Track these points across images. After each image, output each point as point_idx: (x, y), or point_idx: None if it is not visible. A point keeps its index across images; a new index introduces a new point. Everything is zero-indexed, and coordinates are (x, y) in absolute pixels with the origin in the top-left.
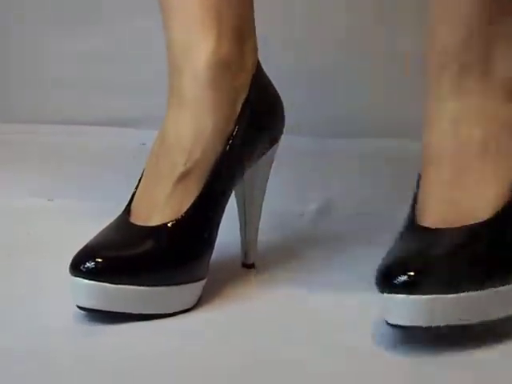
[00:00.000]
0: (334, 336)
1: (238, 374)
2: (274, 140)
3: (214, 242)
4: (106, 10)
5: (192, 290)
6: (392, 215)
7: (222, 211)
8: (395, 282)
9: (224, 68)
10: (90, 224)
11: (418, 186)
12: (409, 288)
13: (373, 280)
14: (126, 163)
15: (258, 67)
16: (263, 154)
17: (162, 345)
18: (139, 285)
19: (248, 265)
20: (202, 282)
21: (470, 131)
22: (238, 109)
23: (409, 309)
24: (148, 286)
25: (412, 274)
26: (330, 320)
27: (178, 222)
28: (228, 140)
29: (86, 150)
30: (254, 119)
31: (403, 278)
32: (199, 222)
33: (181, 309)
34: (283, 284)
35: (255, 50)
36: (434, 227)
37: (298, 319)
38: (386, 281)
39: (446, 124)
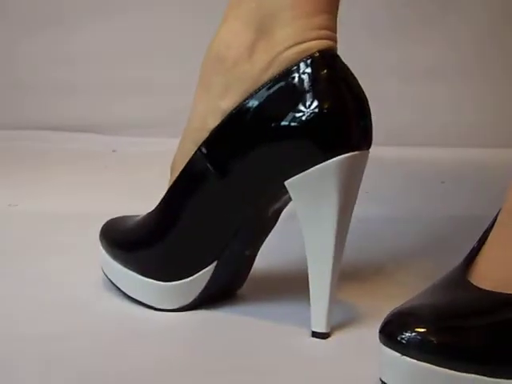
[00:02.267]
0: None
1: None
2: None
3: None
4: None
5: None
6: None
7: None
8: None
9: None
10: (56, 231)
11: (480, 241)
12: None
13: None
14: (95, 170)
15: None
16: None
17: None
18: None
19: None
20: None
21: None
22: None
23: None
24: None
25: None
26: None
27: None
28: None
29: (50, 156)
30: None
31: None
32: None
33: None
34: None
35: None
36: (486, 288)
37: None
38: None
39: None
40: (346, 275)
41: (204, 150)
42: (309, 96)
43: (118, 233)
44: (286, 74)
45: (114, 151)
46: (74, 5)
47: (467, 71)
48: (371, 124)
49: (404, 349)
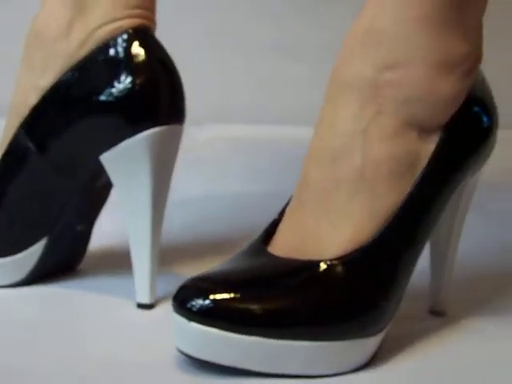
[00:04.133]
0: None
1: None
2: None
3: None
4: None
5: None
6: None
7: None
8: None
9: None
10: None
11: (281, 213)
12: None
13: None
14: None
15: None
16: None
17: None
18: None
19: None
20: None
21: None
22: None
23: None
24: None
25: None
26: None
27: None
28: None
29: None
30: (63, 100)
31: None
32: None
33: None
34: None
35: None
36: (276, 254)
37: None
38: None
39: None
40: (191, 251)
41: (25, 126)
42: (120, 72)
43: None
44: (99, 51)
45: None
46: None
47: None
48: (183, 100)
49: (190, 314)
